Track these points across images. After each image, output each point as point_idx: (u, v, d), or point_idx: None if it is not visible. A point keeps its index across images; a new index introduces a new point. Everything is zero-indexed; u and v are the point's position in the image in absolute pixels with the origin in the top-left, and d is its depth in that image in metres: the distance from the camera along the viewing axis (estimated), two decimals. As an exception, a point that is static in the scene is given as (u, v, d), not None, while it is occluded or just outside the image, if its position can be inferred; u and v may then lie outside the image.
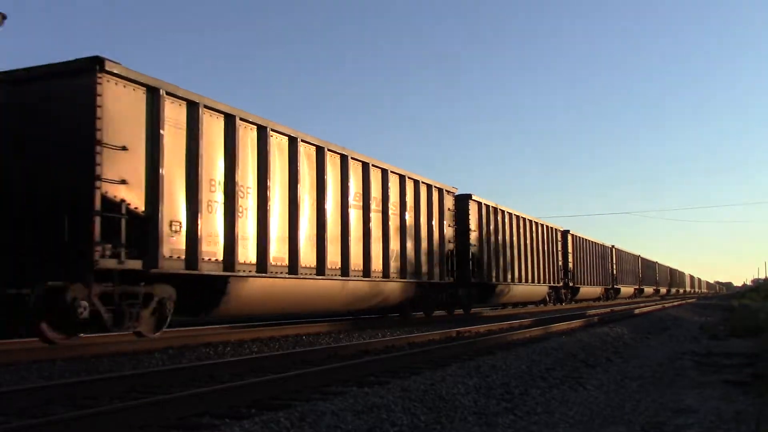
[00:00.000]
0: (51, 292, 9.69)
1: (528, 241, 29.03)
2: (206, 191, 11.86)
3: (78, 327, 10.36)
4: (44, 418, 5.05)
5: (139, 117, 10.78)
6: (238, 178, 12.55)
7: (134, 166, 10.60)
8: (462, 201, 22.85)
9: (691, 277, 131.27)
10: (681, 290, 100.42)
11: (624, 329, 15.61)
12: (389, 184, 17.86)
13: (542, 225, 31.58)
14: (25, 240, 9.96)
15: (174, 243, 11.19)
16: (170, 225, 11.11)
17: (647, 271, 66.21)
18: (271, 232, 13.27)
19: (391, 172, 18.03)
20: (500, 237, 25.71)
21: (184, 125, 11.62)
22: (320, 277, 14.77)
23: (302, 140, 14.48)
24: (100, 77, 10.08)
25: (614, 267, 48.21)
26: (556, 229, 34.07)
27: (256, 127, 13.30)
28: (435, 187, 20.56)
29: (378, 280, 17.09)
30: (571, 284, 36.55)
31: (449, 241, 21.33)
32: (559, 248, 34.46)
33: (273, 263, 13.30)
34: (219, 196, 12.20)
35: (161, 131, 11.04)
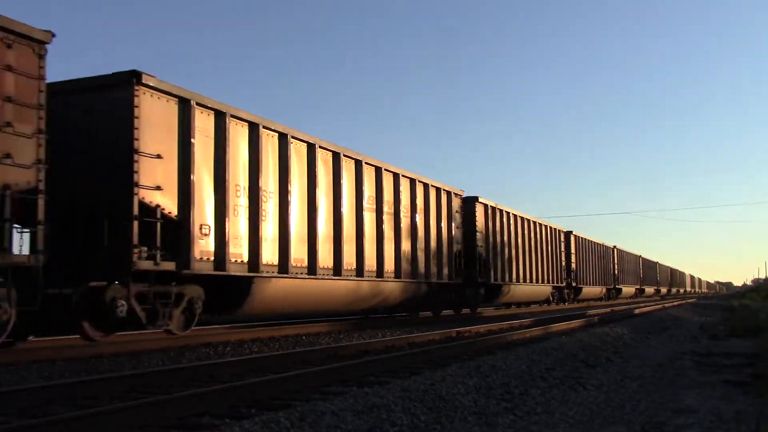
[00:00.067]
0: (92, 291, 10.34)
1: (532, 242, 29.61)
2: (232, 196, 12.50)
3: (115, 325, 11.02)
4: (44, 418, 5.06)
5: (172, 126, 11.45)
6: (261, 183, 13.19)
7: (168, 173, 11.26)
8: (469, 203, 23.48)
9: (692, 277, 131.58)
10: (681, 290, 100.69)
11: (624, 329, 15.57)
12: (401, 187, 18.48)
13: (546, 226, 32.17)
14: (67, 243, 10.59)
15: (204, 245, 11.84)
16: (200, 228, 11.76)
17: (648, 271, 66.66)
18: (291, 234, 13.91)
19: (402, 176, 18.64)
20: (506, 238, 26.30)
21: (212, 134, 12.25)
22: (337, 277, 15.40)
23: (320, 146, 15.13)
24: (137, 90, 10.74)
25: (616, 267, 48.72)
26: (559, 230, 34.65)
27: (277, 134, 13.93)
28: (443, 190, 21.18)
29: (390, 280, 17.70)
30: (573, 284, 37.08)
31: (457, 243, 21.95)
32: (562, 249, 35.02)
33: (294, 264, 13.94)
34: (243, 201, 12.83)
35: (192, 140, 11.70)
